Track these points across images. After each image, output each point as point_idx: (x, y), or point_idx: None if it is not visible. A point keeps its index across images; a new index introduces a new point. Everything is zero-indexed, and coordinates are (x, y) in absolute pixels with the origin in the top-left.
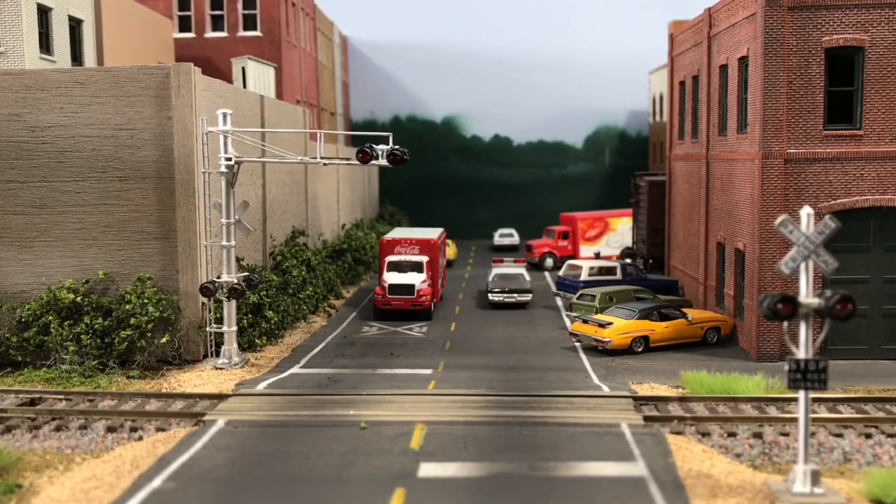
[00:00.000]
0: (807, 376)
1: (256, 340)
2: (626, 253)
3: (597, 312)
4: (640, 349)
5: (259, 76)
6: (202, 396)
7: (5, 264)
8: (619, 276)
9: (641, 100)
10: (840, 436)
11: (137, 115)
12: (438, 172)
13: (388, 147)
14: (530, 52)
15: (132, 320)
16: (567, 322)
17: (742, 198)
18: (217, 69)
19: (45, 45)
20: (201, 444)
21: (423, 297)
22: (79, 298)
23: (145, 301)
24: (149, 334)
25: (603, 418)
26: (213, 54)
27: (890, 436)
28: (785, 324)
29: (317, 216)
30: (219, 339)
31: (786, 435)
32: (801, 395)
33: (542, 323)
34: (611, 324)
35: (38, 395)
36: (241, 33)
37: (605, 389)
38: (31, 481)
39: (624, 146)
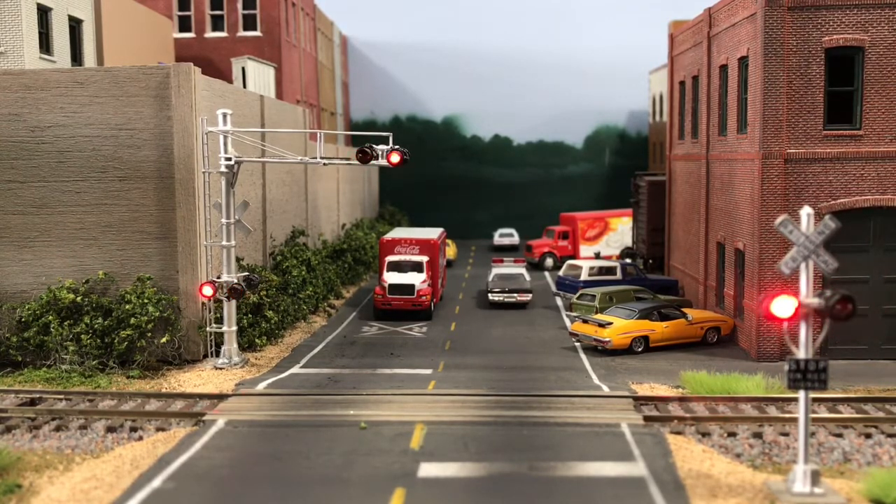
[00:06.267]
0: (807, 376)
1: (256, 340)
2: (626, 253)
3: (597, 312)
4: (640, 349)
5: (259, 76)
6: (202, 396)
7: (5, 264)
8: (619, 276)
9: (641, 100)
10: (840, 436)
11: (137, 115)
12: (438, 172)
13: (388, 147)
14: (530, 52)
15: (132, 320)
16: (567, 322)
17: (742, 198)
18: (217, 69)
19: (45, 45)
20: (201, 444)
21: (423, 297)
22: (79, 298)
23: (145, 301)
24: (149, 334)
25: (603, 418)
26: (213, 54)
27: (890, 436)
28: (785, 324)
29: (317, 216)
30: (219, 339)
31: (786, 435)
32: (801, 395)
33: (542, 323)
34: (611, 324)
35: (38, 395)
36: (241, 33)
37: (605, 389)
38: (31, 481)
39: (624, 146)
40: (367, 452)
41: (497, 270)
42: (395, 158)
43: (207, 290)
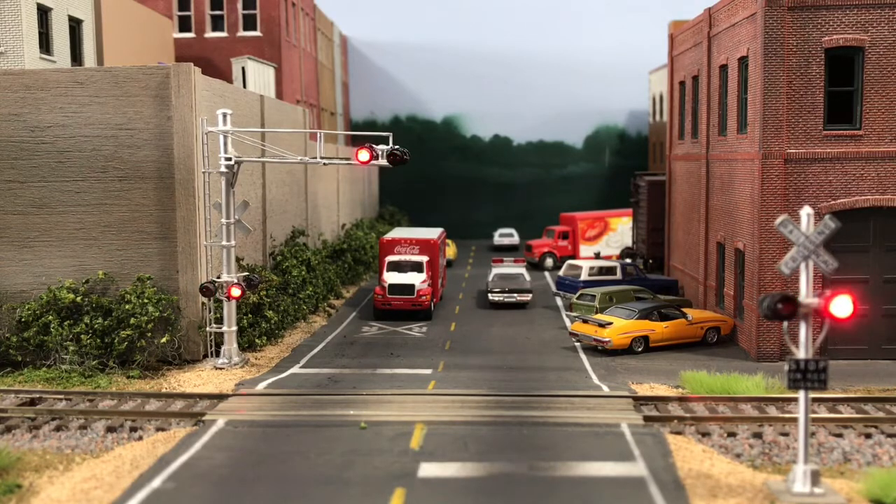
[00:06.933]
0: (807, 376)
1: (256, 340)
2: (626, 253)
3: (597, 312)
4: (640, 349)
5: (259, 76)
6: (202, 396)
7: (5, 264)
8: (619, 276)
9: (641, 100)
10: (840, 436)
11: (137, 115)
12: (438, 172)
13: (388, 147)
14: (530, 52)
15: (132, 320)
16: (567, 322)
17: (742, 198)
18: (217, 69)
19: (45, 45)
20: (201, 444)
21: (423, 297)
22: (79, 298)
23: (145, 301)
24: (149, 334)
25: (603, 418)
26: (213, 54)
27: (890, 436)
28: (785, 324)
29: (317, 216)
30: (219, 339)
31: (786, 435)
32: (801, 395)
33: (542, 323)
34: (611, 324)
35: (38, 395)
36: (241, 33)
37: (605, 389)
38: (31, 481)
39: (624, 146)
40: (367, 452)
41: (497, 270)
42: (394, 158)
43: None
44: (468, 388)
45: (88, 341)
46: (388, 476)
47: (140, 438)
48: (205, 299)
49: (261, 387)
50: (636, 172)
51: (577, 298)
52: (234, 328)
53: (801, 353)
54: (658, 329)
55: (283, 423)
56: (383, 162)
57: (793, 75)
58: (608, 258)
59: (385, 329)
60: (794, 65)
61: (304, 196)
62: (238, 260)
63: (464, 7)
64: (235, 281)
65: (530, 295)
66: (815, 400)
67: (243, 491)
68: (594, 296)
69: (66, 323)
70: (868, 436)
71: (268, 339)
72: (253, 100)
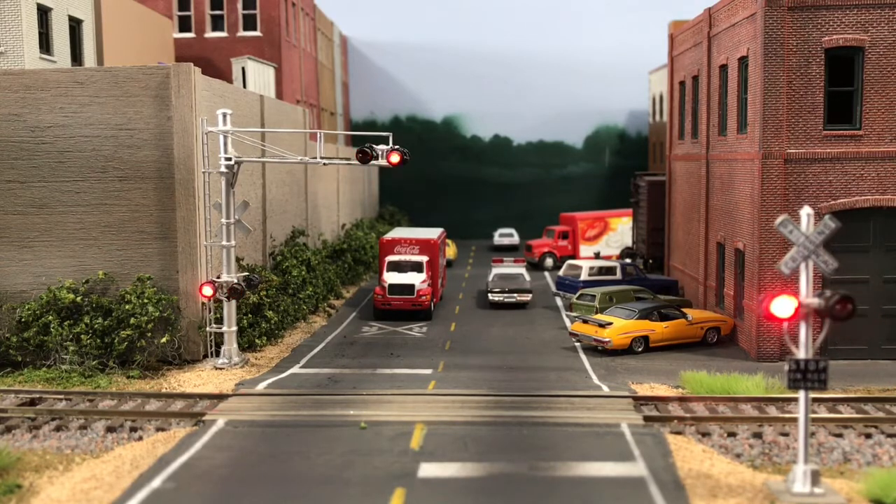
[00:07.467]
0: (807, 376)
1: (256, 340)
2: (626, 253)
3: (597, 312)
4: (640, 349)
5: (259, 76)
6: (202, 396)
7: (5, 264)
8: (619, 276)
9: (641, 100)
10: (840, 436)
11: (137, 115)
12: (438, 172)
13: (388, 147)
14: (530, 52)
15: (132, 320)
16: (567, 322)
17: (742, 198)
18: (217, 69)
19: (45, 45)
20: (201, 444)
21: (423, 297)
22: (79, 298)
23: (145, 301)
24: (149, 334)
25: (603, 418)
26: (213, 54)
27: (890, 436)
28: (785, 324)
29: (317, 216)
30: (219, 339)
31: (786, 435)
32: (801, 395)
33: (542, 323)
34: (611, 324)
35: (38, 395)
36: (241, 33)
37: (605, 389)
38: (31, 481)
39: (624, 146)
40: (367, 452)
41: (497, 270)
42: (395, 158)
43: (207, 290)
44: (468, 389)
45: (88, 341)
46: (388, 476)
47: (140, 438)
48: (204, 299)
49: (261, 387)
50: (636, 172)
51: (577, 298)
52: (234, 328)
53: (801, 353)
54: (658, 329)
55: (283, 423)
56: (383, 162)
57: (793, 75)
58: (608, 258)
59: (385, 329)
60: (794, 65)
61: (304, 196)
62: (238, 260)
63: (464, 7)
64: (236, 281)
65: (530, 295)
66: (815, 400)
67: (243, 491)
68: (594, 296)
69: (66, 323)
70: (868, 436)
71: (268, 340)
72: (253, 100)
